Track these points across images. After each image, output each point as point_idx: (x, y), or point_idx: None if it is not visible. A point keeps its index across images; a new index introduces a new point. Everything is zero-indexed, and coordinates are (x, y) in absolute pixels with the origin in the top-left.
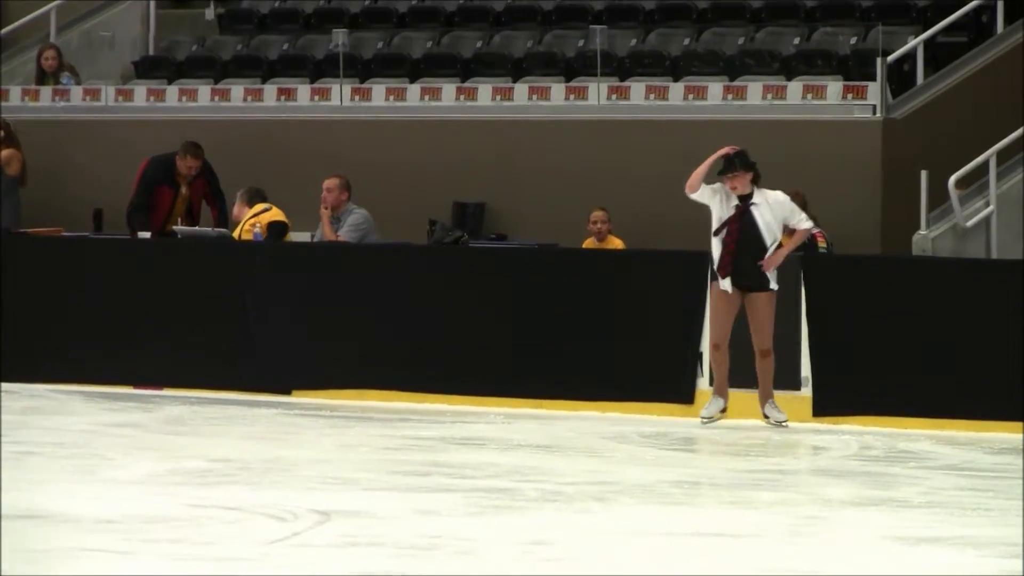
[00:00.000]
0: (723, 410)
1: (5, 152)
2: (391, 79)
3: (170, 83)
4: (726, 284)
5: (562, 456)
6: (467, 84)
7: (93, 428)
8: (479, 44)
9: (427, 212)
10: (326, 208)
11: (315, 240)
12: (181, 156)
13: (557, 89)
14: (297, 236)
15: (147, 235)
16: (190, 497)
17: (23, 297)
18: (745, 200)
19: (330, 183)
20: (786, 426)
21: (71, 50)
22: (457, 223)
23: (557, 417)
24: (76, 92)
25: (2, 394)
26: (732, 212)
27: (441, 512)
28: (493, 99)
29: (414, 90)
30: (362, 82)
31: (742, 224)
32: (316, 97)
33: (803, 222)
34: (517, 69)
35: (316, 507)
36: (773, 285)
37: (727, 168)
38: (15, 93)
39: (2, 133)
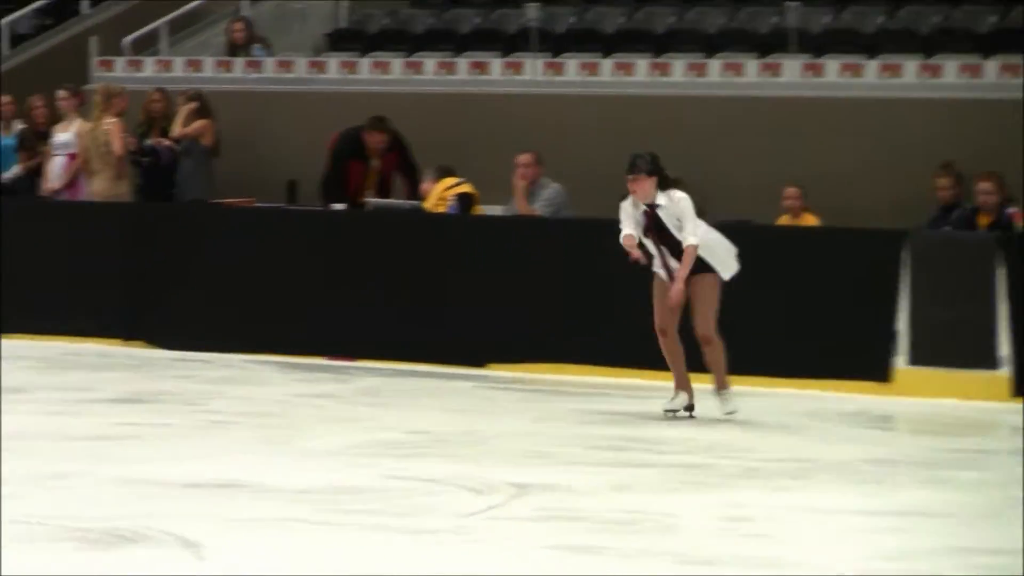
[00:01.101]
0: (689, 408)
1: (199, 123)
2: (584, 54)
3: (363, 56)
4: (663, 274)
5: (759, 433)
6: (660, 59)
7: (287, 398)
8: (672, 19)
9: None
10: (523, 180)
11: (508, 213)
12: (367, 131)
13: (751, 65)
14: (489, 210)
15: (341, 207)
16: (386, 469)
17: (216, 267)
18: (651, 206)
19: (525, 158)
20: (732, 415)
21: (264, 22)
22: None
23: (754, 394)
24: (269, 64)
25: (197, 363)
26: (644, 219)
27: (638, 487)
28: (686, 75)
29: (607, 65)
30: (555, 56)
31: (655, 228)
32: (509, 71)
33: (688, 237)
34: (710, 45)
35: (513, 480)
36: (716, 267)
37: (628, 168)
38: (208, 65)
39: (196, 104)
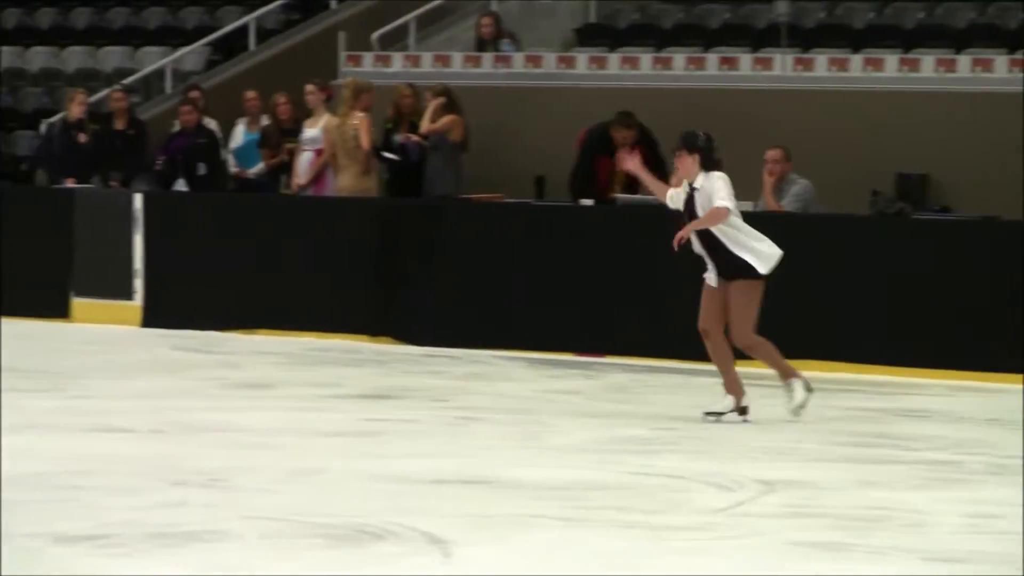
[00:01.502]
0: (741, 411)
1: (447, 118)
2: (833, 49)
3: (611, 51)
4: (709, 277)
5: (1007, 430)
6: (910, 55)
7: (535, 394)
8: (921, 15)
9: (869, 183)
10: (772, 176)
11: (757, 209)
12: (615, 127)
13: (999, 61)
14: (739, 206)
15: (589, 203)
16: (634, 465)
17: (464, 262)
18: (690, 187)
19: (774, 153)
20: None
21: (511, 17)
22: (900, 194)
23: (1002, 390)
24: (518, 59)
25: (445, 359)
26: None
27: (885, 483)
28: (936, 70)
29: (856, 61)
30: (804, 52)
31: (689, 214)
32: (758, 67)
33: (718, 201)
34: (959, 41)
35: (760, 477)
36: (755, 269)
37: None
38: (457, 60)
39: (444, 100)
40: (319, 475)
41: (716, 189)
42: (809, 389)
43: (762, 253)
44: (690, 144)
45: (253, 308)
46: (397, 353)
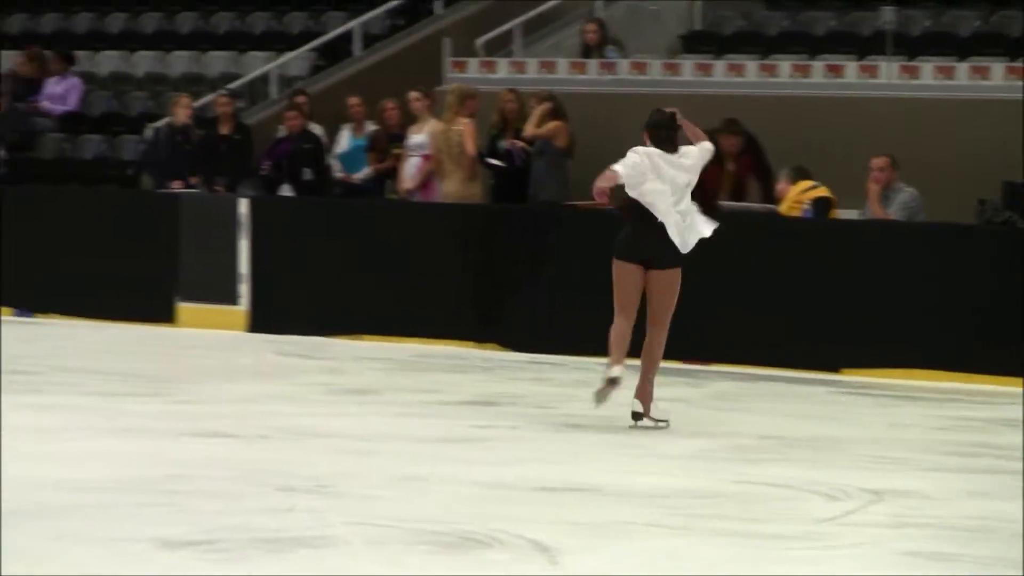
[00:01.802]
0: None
1: (552, 125)
2: (939, 57)
3: (717, 58)
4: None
5: None
6: (1016, 63)
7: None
8: None
9: (975, 192)
10: (877, 184)
11: (863, 217)
12: (720, 134)
13: None
14: (843, 214)
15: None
16: (739, 474)
17: (569, 269)
18: None
19: (880, 162)
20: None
21: (617, 23)
22: (1007, 204)
23: None
24: (622, 65)
25: (550, 366)
26: None
27: (992, 494)
28: None
29: (962, 68)
30: (910, 60)
31: None
32: (864, 74)
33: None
34: None
35: (867, 486)
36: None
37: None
38: (562, 66)
39: (549, 106)
40: (424, 481)
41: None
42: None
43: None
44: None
45: (358, 314)
46: (502, 359)
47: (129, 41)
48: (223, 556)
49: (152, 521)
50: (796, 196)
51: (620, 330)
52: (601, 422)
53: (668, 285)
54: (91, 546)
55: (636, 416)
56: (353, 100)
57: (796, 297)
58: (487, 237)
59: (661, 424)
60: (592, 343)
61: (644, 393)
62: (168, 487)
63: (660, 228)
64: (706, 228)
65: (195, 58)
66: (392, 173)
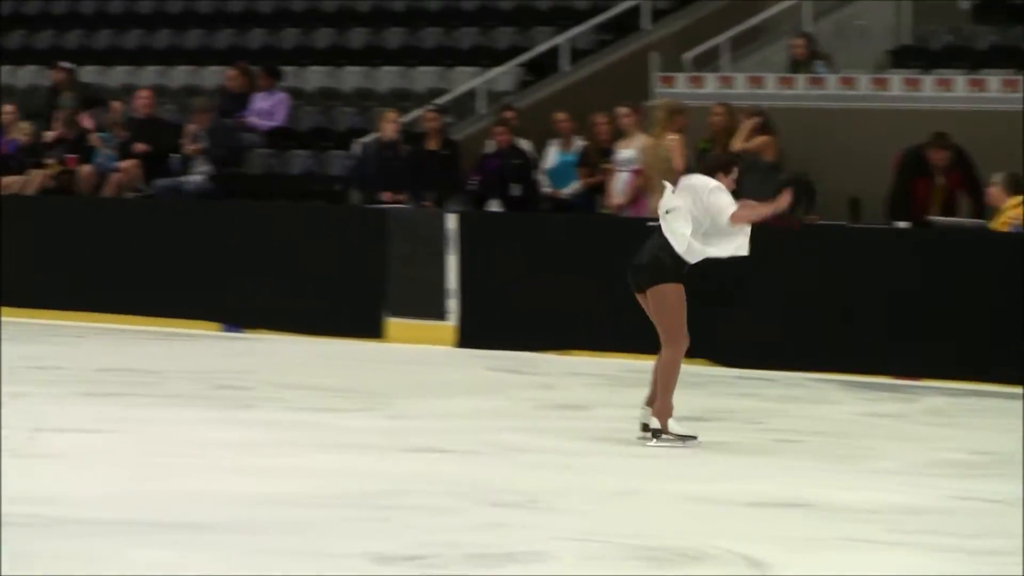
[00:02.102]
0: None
1: (760, 139)
2: None
3: (925, 72)
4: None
5: None
6: None
7: (853, 417)
8: None
9: None
10: None
11: None
12: (930, 148)
13: None
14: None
15: (905, 225)
16: (953, 489)
17: (776, 284)
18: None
19: None
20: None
21: (824, 39)
22: None
23: None
24: (831, 80)
25: (761, 382)
26: None
27: None
28: None
29: None
30: None
31: None
32: None
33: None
34: None
35: None
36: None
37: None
38: (770, 81)
39: (758, 120)
40: (635, 497)
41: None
42: None
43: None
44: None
45: (567, 328)
46: (712, 375)
47: (337, 56)
48: (435, 571)
49: (364, 536)
50: (1010, 210)
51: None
52: (813, 437)
53: (655, 304)
54: (301, 560)
55: (645, 428)
56: (560, 115)
57: (1008, 312)
58: None
59: (687, 441)
60: (803, 358)
61: (656, 409)
62: (380, 502)
63: (641, 251)
64: (722, 250)
65: (403, 73)
66: (601, 188)
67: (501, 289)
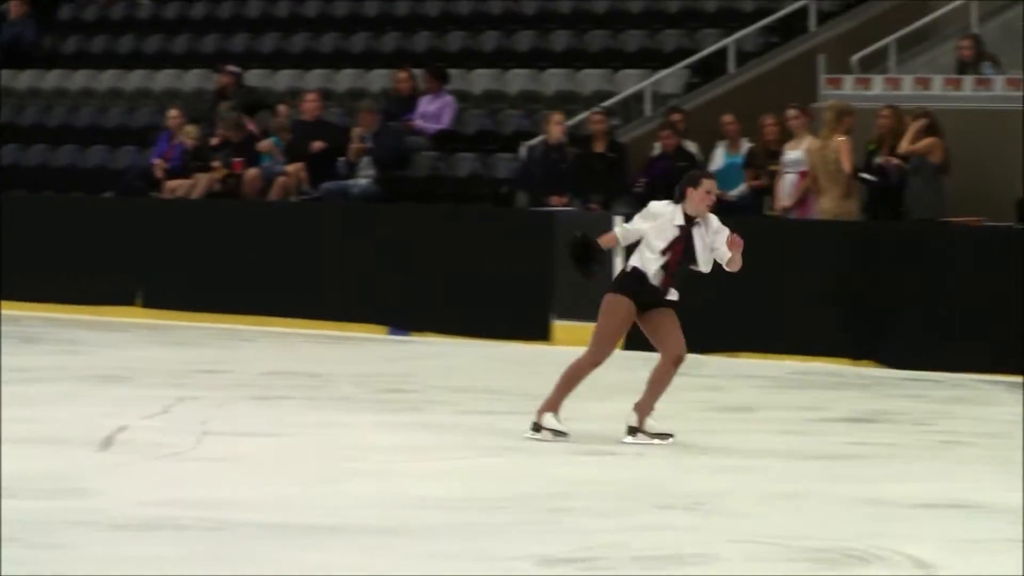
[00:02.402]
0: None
1: (927, 141)
2: None
3: None
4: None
5: None
6: None
7: (1019, 419)
8: None
9: None
10: None
11: None
12: None
13: None
14: None
15: None
16: None
17: (942, 286)
18: (691, 223)
19: None
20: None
21: (992, 40)
22: None
23: None
24: (998, 82)
25: (927, 383)
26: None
27: None
28: None
29: None
30: None
31: (686, 248)
32: None
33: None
34: None
35: None
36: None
37: (706, 176)
38: (937, 82)
39: (925, 122)
40: (803, 498)
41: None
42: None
43: None
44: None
45: (736, 331)
46: (879, 376)
47: (503, 59)
48: (602, 574)
49: (531, 538)
50: None
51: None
52: (980, 439)
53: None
54: (468, 563)
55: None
56: (727, 117)
57: None
58: (862, 254)
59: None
60: (969, 359)
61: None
62: (547, 505)
63: None
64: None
65: (569, 76)
66: (768, 190)
67: None
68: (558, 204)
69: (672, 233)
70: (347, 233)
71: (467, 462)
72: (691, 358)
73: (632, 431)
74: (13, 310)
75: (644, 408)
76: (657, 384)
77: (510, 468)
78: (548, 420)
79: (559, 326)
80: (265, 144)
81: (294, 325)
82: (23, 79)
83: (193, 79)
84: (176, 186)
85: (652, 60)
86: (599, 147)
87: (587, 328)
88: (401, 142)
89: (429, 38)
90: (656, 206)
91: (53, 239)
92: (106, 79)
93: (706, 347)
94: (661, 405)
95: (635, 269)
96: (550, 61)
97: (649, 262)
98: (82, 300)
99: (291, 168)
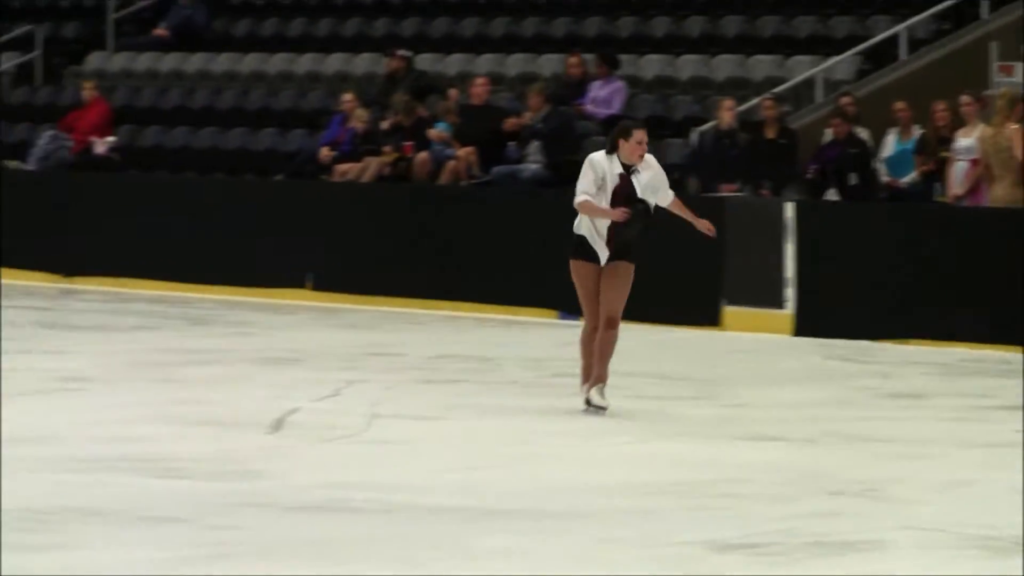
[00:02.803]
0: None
1: None
2: None
3: None
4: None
5: None
6: None
7: None
8: None
9: None
10: None
11: None
12: None
13: None
14: None
15: None
16: None
17: None
18: (629, 170)
19: None
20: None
21: None
22: None
23: None
24: None
25: None
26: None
27: None
28: None
29: None
30: None
31: (625, 195)
32: None
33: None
34: None
35: None
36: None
37: (641, 124)
38: None
39: None
40: (973, 486)
41: (664, 183)
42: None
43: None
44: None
45: (905, 318)
46: None
47: (674, 45)
48: (774, 559)
49: (702, 524)
50: None
51: None
52: None
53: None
54: (640, 548)
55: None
56: (899, 104)
57: None
58: None
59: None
60: None
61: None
62: (718, 490)
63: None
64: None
65: (740, 62)
66: (939, 177)
67: (838, 278)
68: (728, 191)
69: (614, 182)
70: (517, 217)
71: (637, 447)
72: (861, 345)
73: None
74: (184, 292)
75: (599, 376)
76: (599, 352)
77: (680, 453)
78: (593, 395)
79: (729, 311)
80: (436, 133)
81: (464, 309)
82: (193, 62)
83: (364, 63)
84: (346, 169)
85: (824, 46)
86: (770, 133)
87: (757, 314)
88: (571, 126)
89: (600, 23)
90: (594, 156)
91: (223, 222)
92: (277, 62)
93: (876, 334)
94: (827, 391)
95: (579, 236)
96: (721, 47)
97: (595, 222)
98: (253, 283)
99: (461, 152)
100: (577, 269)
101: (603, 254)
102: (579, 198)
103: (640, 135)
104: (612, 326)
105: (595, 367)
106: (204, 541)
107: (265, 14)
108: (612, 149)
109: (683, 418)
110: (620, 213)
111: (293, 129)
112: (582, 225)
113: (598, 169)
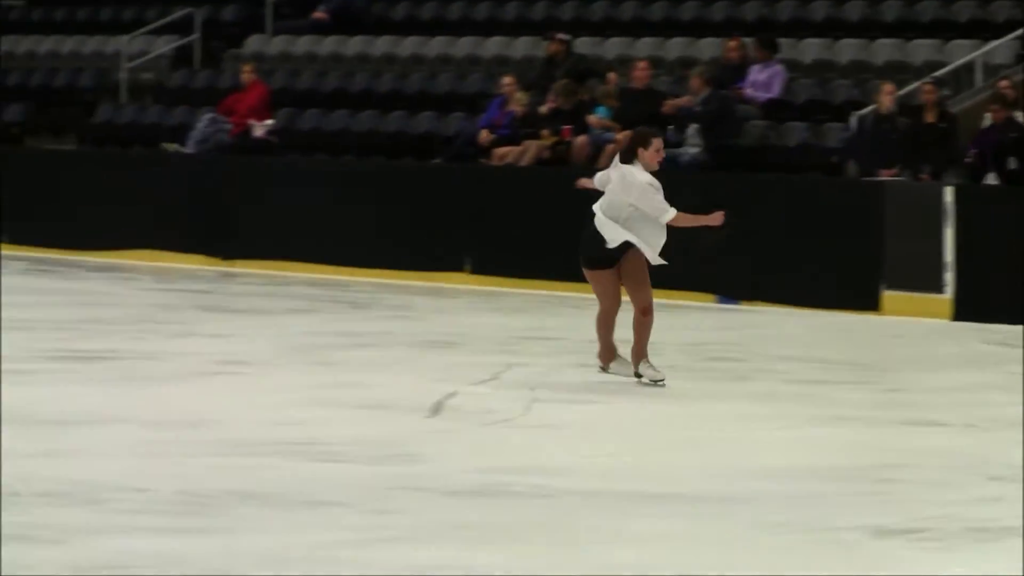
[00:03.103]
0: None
1: None
2: None
3: None
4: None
5: None
6: None
7: None
8: None
9: None
10: None
11: None
12: None
13: None
14: None
15: None
16: None
17: None
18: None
19: None
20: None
21: None
22: None
23: None
24: None
25: None
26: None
27: None
28: None
29: None
30: None
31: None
32: None
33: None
34: None
35: None
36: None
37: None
38: None
39: None
40: None
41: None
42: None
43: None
44: None
45: None
46: None
47: (833, 29)
48: (934, 544)
49: (862, 509)
50: None
51: None
52: None
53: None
54: (801, 533)
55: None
56: None
57: None
58: None
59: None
60: None
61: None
62: (877, 475)
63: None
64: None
65: (899, 46)
66: None
67: (997, 263)
68: (888, 175)
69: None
70: (675, 201)
71: (796, 432)
72: (1020, 330)
73: (636, 375)
74: (342, 276)
75: (637, 354)
76: (639, 335)
77: (839, 438)
78: (644, 369)
79: (888, 296)
80: (596, 119)
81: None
82: (352, 45)
83: (523, 46)
84: (505, 153)
85: (983, 31)
86: (929, 118)
87: (916, 298)
88: (731, 109)
89: (759, 7)
90: (643, 175)
91: (381, 205)
92: (435, 46)
93: None
94: (986, 375)
95: (589, 247)
96: (880, 31)
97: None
98: (411, 266)
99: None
100: (596, 278)
101: (654, 259)
102: (670, 214)
103: (658, 143)
104: (647, 313)
105: (636, 346)
106: (363, 525)
107: None
108: (631, 158)
109: (842, 402)
110: (719, 217)
111: (452, 112)
112: (630, 234)
113: (655, 182)
